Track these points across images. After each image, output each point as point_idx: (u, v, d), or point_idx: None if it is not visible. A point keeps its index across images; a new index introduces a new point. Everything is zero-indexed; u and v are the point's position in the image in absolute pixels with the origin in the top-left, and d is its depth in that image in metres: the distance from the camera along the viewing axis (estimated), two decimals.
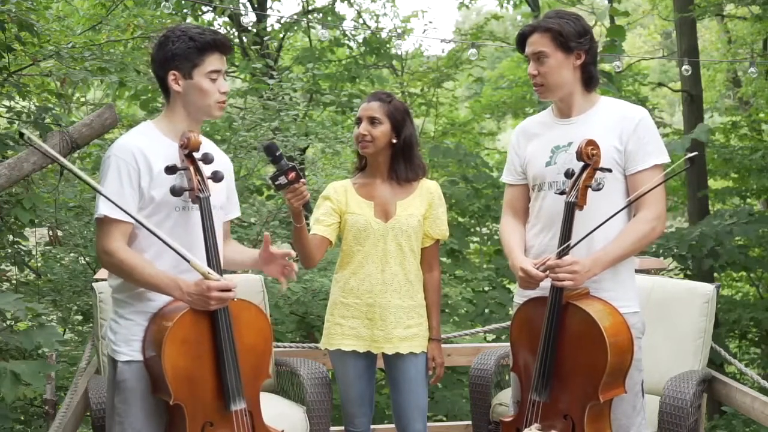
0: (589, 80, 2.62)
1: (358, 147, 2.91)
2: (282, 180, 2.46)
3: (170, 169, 2.31)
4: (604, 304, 2.51)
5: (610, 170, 2.50)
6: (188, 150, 2.34)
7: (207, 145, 2.49)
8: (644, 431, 2.65)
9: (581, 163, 2.46)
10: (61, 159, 2.23)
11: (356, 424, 2.98)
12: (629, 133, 2.55)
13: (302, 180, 2.48)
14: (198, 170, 2.35)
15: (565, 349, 2.49)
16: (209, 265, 2.33)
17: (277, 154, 2.47)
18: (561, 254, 2.46)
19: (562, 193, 2.51)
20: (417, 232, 2.89)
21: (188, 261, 2.27)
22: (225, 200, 2.55)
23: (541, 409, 2.53)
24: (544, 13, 2.68)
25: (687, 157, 2.50)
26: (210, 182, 2.36)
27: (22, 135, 2.21)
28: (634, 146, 2.54)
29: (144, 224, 2.26)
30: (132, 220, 2.31)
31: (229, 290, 2.30)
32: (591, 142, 2.44)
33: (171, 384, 2.26)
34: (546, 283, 2.50)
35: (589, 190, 2.47)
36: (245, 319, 2.41)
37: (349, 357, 2.91)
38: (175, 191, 2.30)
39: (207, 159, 2.38)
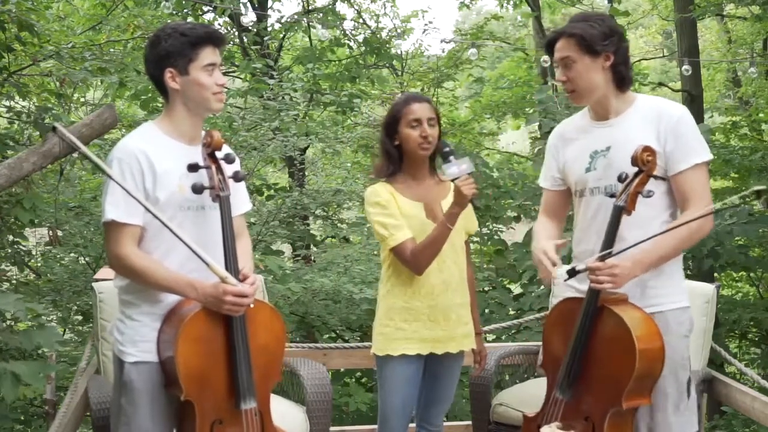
0: (621, 81, 2.55)
1: (420, 150, 2.85)
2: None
3: (192, 167, 2.31)
4: (640, 311, 2.48)
5: (664, 179, 2.46)
6: (211, 149, 2.35)
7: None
8: (689, 430, 2.56)
9: (635, 168, 2.41)
10: (100, 162, 2.22)
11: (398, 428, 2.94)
12: (667, 132, 2.48)
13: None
14: (219, 169, 2.36)
15: (595, 351, 2.48)
16: (226, 265, 2.32)
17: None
18: (603, 259, 2.42)
19: (612, 195, 2.47)
20: (459, 230, 2.87)
21: (207, 264, 2.26)
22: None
23: (562, 408, 2.54)
24: (571, 16, 2.63)
25: (754, 189, 2.36)
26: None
27: (54, 129, 2.21)
28: (672, 146, 2.47)
29: (168, 225, 2.24)
30: (140, 223, 2.31)
31: (244, 296, 2.28)
32: (647, 149, 2.39)
33: (183, 381, 2.27)
34: (584, 285, 2.49)
35: (640, 196, 2.42)
36: (260, 319, 2.41)
37: (413, 361, 2.86)
38: (196, 189, 2.29)
39: (229, 159, 2.39)
